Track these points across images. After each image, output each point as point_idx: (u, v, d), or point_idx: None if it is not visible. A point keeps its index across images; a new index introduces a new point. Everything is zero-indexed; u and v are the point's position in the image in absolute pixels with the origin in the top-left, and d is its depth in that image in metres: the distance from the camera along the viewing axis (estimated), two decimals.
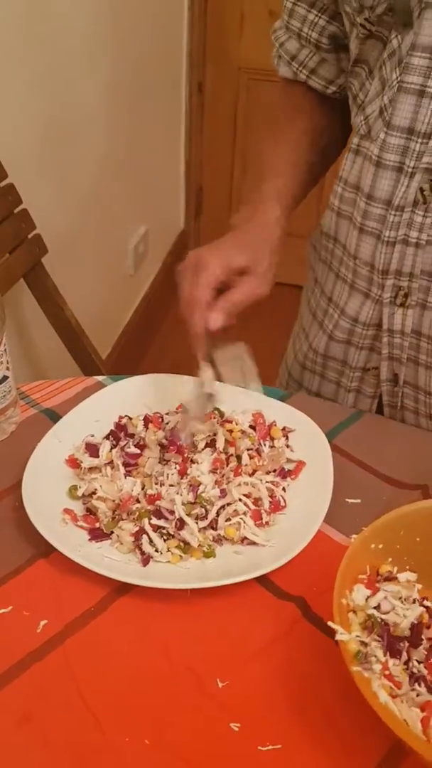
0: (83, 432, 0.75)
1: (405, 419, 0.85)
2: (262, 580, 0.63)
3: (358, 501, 0.71)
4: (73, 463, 0.73)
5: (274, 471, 0.72)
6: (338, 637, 0.51)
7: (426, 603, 0.56)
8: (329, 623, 0.51)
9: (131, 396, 0.81)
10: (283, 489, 0.71)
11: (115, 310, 2.09)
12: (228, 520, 0.66)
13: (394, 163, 0.71)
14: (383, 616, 0.53)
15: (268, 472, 0.71)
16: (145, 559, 0.64)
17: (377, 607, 0.54)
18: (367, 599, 0.54)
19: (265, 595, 0.62)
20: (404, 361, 0.80)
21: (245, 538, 0.66)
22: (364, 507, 0.71)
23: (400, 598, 0.55)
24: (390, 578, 0.56)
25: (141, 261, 2.20)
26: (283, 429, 0.76)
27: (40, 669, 0.56)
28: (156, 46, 2.09)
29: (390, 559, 0.57)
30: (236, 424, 0.75)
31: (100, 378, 0.88)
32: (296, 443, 0.76)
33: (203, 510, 0.66)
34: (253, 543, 0.66)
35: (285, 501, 0.70)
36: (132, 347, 2.12)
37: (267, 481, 0.70)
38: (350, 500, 0.71)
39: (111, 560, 0.64)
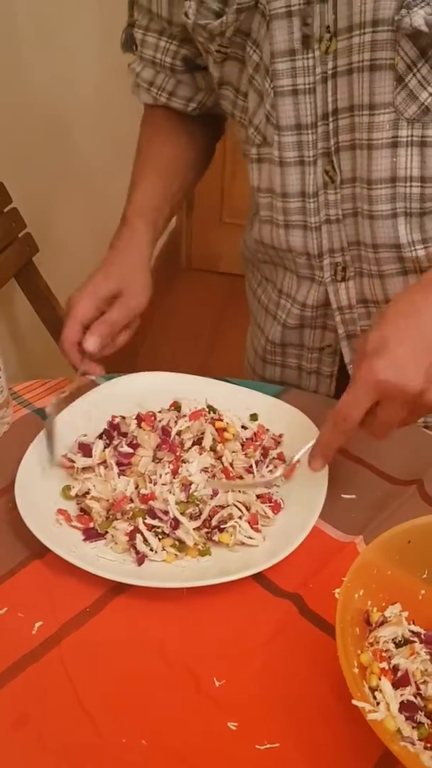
0: (76, 432, 0.75)
1: None
2: (258, 578, 0.63)
3: (354, 496, 0.71)
4: (67, 463, 0.73)
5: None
6: (370, 717, 0.47)
7: (412, 627, 0.56)
8: (354, 702, 0.48)
9: (124, 394, 0.80)
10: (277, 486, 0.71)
11: None
12: (224, 522, 0.66)
13: (295, 158, 0.77)
14: (411, 698, 0.51)
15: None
16: (140, 558, 0.64)
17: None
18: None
19: (261, 592, 0.62)
20: (360, 335, 0.84)
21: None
22: (360, 502, 0.71)
23: (394, 638, 0.55)
24: (382, 622, 0.56)
25: None
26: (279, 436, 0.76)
27: (35, 671, 0.56)
28: None
29: (369, 602, 0.56)
30: (227, 423, 0.75)
31: (92, 377, 0.87)
32: (291, 439, 0.76)
33: (197, 509, 0.66)
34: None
35: (283, 502, 0.70)
36: (125, 346, 2.11)
37: (257, 496, 0.69)
38: (345, 496, 0.71)
39: (106, 560, 0.64)
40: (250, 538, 0.65)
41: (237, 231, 0.98)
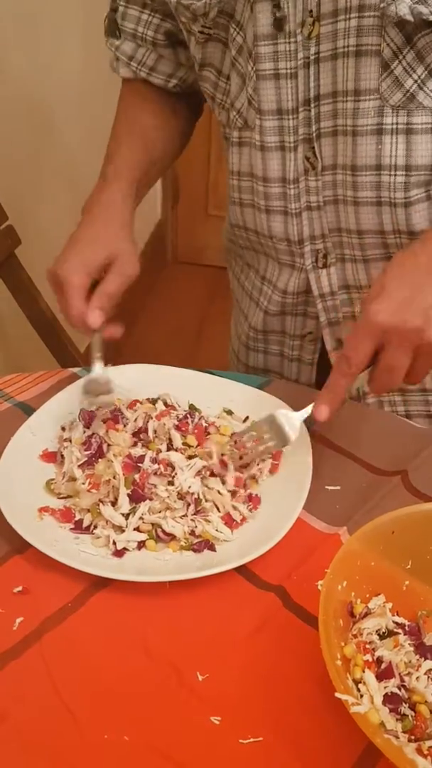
0: (57, 425, 0.74)
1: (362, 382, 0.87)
2: (242, 570, 0.62)
3: (338, 488, 0.71)
4: (48, 457, 0.72)
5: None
6: (353, 709, 0.47)
7: (396, 619, 0.56)
8: (336, 694, 0.47)
9: None
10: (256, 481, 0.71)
11: None
12: (201, 512, 0.66)
13: (276, 144, 0.77)
14: (394, 690, 0.51)
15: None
16: (119, 552, 0.63)
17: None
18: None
19: (244, 585, 0.62)
20: (342, 321, 0.84)
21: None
22: (344, 494, 0.70)
23: (378, 630, 0.55)
24: (366, 614, 0.55)
25: None
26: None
27: (16, 667, 0.55)
28: None
29: (353, 594, 0.56)
30: (214, 423, 0.74)
31: (74, 370, 0.86)
32: None
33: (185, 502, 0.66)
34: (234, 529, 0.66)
35: (262, 496, 0.69)
36: (112, 338, 2.10)
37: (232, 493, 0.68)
38: (330, 487, 0.71)
39: (87, 555, 0.63)
40: (219, 531, 0.65)
41: (222, 223, 0.98)
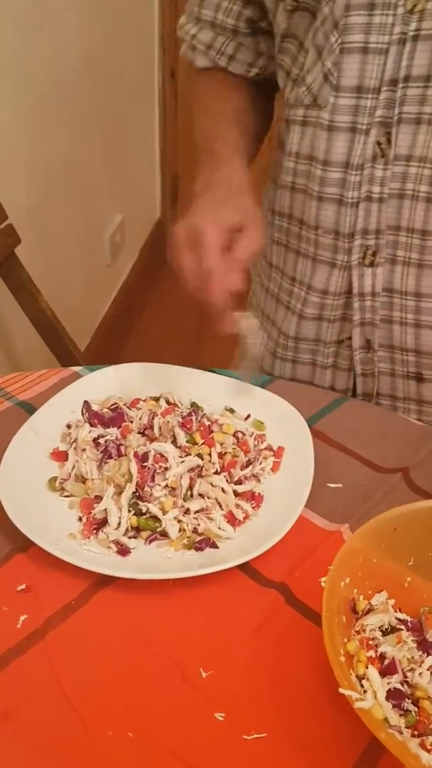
0: (59, 424, 0.74)
1: (380, 386, 0.85)
2: (244, 568, 0.62)
3: (340, 485, 0.71)
4: (58, 456, 0.72)
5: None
6: (357, 705, 0.47)
7: (399, 615, 0.56)
8: (340, 690, 0.47)
9: (107, 386, 0.80)
10: (258, 480, 0.71)
11: (93, 300, 2.07)
12: (202, 511, 0.66)
13: (347, 124, 0.72)
14: (398, 686, 0.51)
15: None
16: (123, 551, 0.63)
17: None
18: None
19: (247, 582, 0.62)
20: (377, 324, 0.80)
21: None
22: (346, 491, 0.70)
23: (381, 626, 0.55)
24: (369, 610, 0.56)
25: (118, 251, 2.17)
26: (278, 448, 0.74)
27: (20, 665, 0.55)
28: (127, 34, 2.06)
29: (356, 590, 0.56)
30: (218, 421, 0.74)
31: (76, 368, 0.86)
32: (276, 429, 0.75)
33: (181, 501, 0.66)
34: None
35: (265, 495, 0.69)
36: (111, 338, 2.10)
37: (238, 492, 0.69)
38: (331, 485, 0.71)
39: (90, 553, 0.63)
40: (222, 530, 0.65)
41: None
